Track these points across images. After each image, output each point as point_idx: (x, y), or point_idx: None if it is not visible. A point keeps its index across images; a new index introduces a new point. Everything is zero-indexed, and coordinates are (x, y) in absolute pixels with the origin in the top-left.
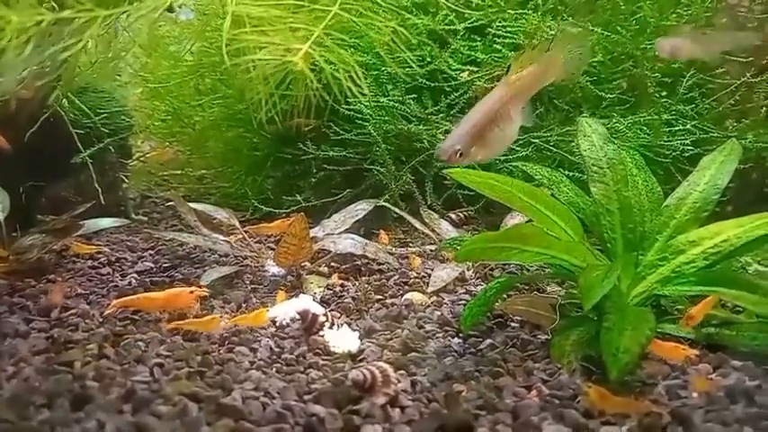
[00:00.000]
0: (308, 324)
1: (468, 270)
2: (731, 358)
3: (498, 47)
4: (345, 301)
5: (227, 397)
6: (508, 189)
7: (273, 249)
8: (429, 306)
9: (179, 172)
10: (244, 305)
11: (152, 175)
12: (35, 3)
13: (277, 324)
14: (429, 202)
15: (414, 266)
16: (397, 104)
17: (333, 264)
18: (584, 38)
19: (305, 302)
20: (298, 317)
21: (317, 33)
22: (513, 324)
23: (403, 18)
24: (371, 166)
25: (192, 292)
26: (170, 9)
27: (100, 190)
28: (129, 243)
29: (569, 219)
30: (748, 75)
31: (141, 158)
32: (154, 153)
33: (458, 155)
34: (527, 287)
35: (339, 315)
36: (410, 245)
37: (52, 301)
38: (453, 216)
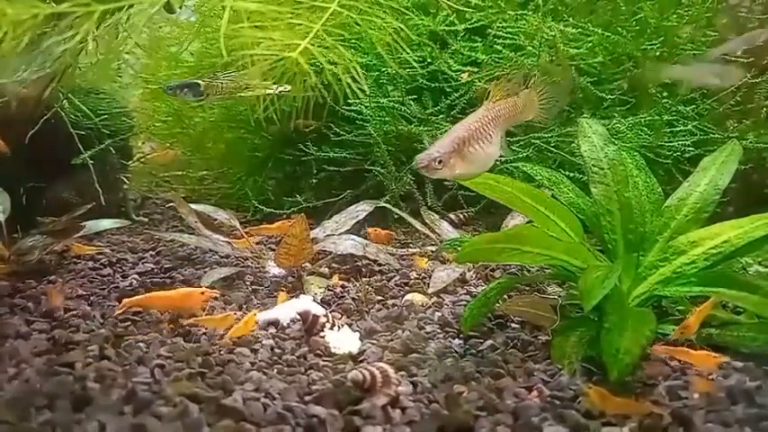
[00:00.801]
0: (309, 325)
1: (469, 271)
2: (732, 359)
3: (498, 47)
4: (346, 302)
5: (228, 398)
6: (509, 190)
7: (274, 250)
8: (430, 307)
9: (180, 173)
10: (244, 306)
11: (153, 176)
12: None
13: (277, 325)
14: (429, 203)
15: (420, 267)
16: (397, 105)
17: (333, 264)
18: (566, 74)
19: (305, 303)
20: (298, 318)
21: (316, 30)
22: (513, 325)
23: (404, 19)
24: (372, 167)
25: (202, 293)
26: (171, 10)
27: (101, 191)
28: (129, 244)
29: (570, 219)
30: (749, 75)
31: (142, 159)
32: (155, 154)
33: (437, 162)
34: (528, 288)
35: (340, 316)
36: (411, 246)
37: (52, 304)
38: (453, 217)
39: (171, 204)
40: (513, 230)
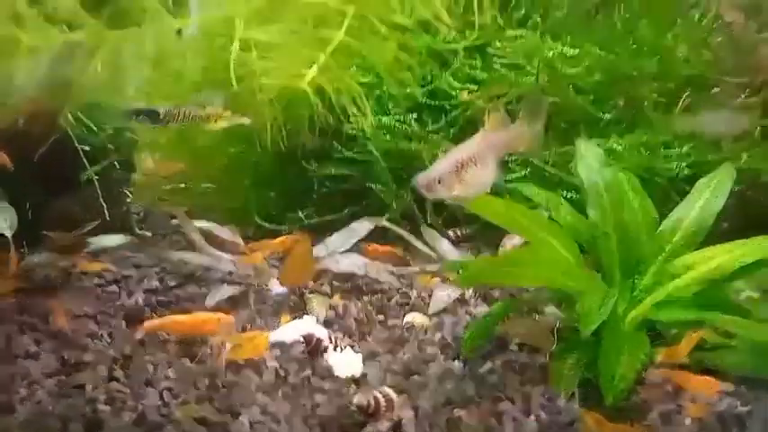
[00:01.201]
0: (312, 347)
1: (469, 290)
2: (724, 383)
3: (498, 66)
4: (348, 322)
5: (236, 421)
6: (506, 211)
7: (277, 267)
8: (430, 328)
9: (182, 185)
10: (249, 326)
11: (156, 190)
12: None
13: (282, 347)
14: (429, 221)
15: (420, 286)
16: (397, 123)
17: (334, 282)
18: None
19: (309, 325)
20: (301, 340)
21: (323, 59)
22: (512, 347)
23: (403, 41)
24: (372, 185)
25: (219, 319)
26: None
27: (105, 206)
28: (134, 259)
29: (566, 241)
30: (743, 96)
31: (145, 173)
32: (157, 167)
33: (437, 182)
34: (526, 308)
35: (341, 336)
36: (411, 264)
37: (59, 323)
38: (451, 234)
39: (174, 220)
40: (514, 254)
